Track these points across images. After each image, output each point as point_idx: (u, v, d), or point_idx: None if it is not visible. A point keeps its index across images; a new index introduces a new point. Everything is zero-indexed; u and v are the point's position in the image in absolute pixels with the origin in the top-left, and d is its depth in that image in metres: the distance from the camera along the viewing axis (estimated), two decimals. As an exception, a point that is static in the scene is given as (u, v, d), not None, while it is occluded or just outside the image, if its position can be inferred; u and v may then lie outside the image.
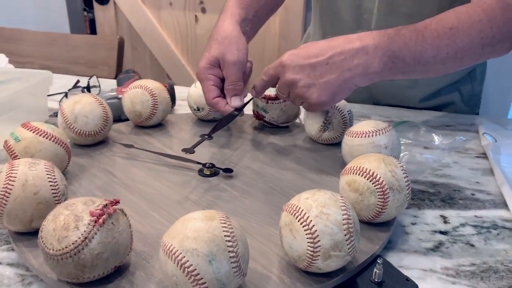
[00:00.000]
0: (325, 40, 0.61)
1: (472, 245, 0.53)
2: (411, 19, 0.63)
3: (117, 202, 0.44)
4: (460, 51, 0.60)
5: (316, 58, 0.58)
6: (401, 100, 0.95)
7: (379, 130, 0.60)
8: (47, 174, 0.49)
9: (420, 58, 0.59)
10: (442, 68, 0.62)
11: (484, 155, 0.75)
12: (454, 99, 0.95)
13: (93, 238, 0.40)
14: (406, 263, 0.50)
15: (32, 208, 0.47)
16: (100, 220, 0.41)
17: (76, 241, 0.40)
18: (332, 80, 0.59)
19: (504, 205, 0.61)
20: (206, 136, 0.66)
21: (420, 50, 0.58)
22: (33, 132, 0.58)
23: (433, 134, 0.77)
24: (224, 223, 0.40)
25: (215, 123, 0.68)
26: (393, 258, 0.50)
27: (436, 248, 0.52)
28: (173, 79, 2.01)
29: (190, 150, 0.63)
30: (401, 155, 0.68)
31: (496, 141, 0.78)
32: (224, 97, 0.69)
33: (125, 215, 0.45)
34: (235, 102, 0.68)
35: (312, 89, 0.60)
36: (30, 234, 0.49)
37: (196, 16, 1.89)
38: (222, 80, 0.69)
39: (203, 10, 1.87)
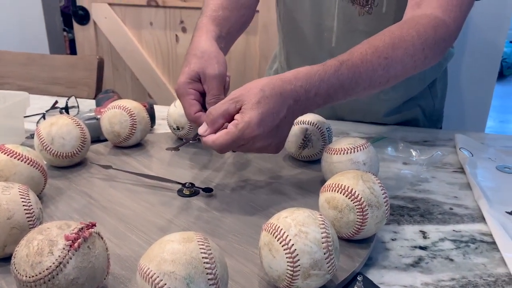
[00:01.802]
0: (272, 85, 0.57)
1: (452, 260, 0.53)
2: (369, 37, 0.65)
3: (93, 225, 0.43)
4: (392, 78, 0.64)
5: (278, 117, 0.56)
6: (365, 116, 0.98)
7: (357, 147, 0.61)
8: (21, 198, 0.48)
9: (351, 93, 0.61)
10: (372, 93, 0.64)
11: (461, 170, 0.76)
12: (417, 115, 0.98)
13: (68, 263, 0.39)
14: (387, 279, 0.50)
15: (6, 233, 0.46)
16: (76, 244, 0.40)
17: (50, 266, 0.39)
18: (289, 129, 0.61)
19: (482, 219, 0.61)
20: (191, 140, 0.66)
21: (354, 87, 0.60)
22: (8, 155, 0.56)
23: (411, 150, 0.78)
24: (202, 244, 0.39)
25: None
26: (374, 275, 0.50)
27: (416, 264, 0.52)
28: (155, 98, 2.01)
29: (175, 149, 0.63)
30: (379, 171, 0.69)
31: (472, 156, 0.79)
32: (206, 111, 0.69)
33: (102, 238, 0.44)
34: None
35: (276, 145, 0.60)
36: (3, 260, 0.47)
37: (176, 35, 1.90)
38: (202, 95, 0.69)
39: (184, 30, 1.88)
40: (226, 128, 0.56)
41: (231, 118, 0.57)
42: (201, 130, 0.59)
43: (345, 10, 0.84)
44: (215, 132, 0.57)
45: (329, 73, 0.58)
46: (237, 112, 0.56)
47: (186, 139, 0.66)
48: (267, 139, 0.57)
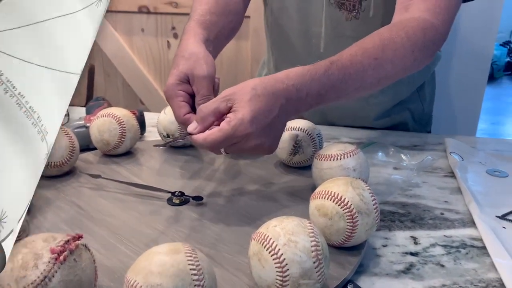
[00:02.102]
0: (264, 84, 0.56)
1: (442, 266, 0.53)
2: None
3: (79, 237, 0.42)
4: (382, 79, 0.64)
5: (270, 115, 0.56)
6: (355, 120, 0.98)
7: (347, 153, 0.61)
8: (7, 210, 0.47)
9: (342, 93, 0.61)
10: (363, 94, 0.64)
11: (452, 174, 0.76)
12: (406, 118, 0.99)
13: (53, 276, 0.39)
14: (378, 286, 0.49)
15: (-9, 246, 0.45)
16: (61, 257, 0.39)
17: (35, 280, 0.38)
18: (282, 129, 0.60)
19: (472, 224, 0.61)
20: (179, 138, 0.65)
21: (345, 88, 0.60)
22: (-6, 166, 0.56)
23: (402, 155, 0.78)
24: (190, 256, 0.39)
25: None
26: (365, 282, 0.50)
27: (407, 270, 0.52)
28: (146, 104, 2.00)
29: (163, 146, 0.62)
30: (370, 176, 0.69)
31: (463, 160, 0.79)
32: (195, 113, 0.68)
33: (89, 250, 0.43)
34: None
35: (269, 145, 0.59)
36: (-11, 273, 0.47)
37: (168, 41, 1.90)
38: (192, 96, 0.68)
39: (175, 36, 1.88)
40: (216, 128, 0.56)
41: (221, 117, 0.56)
42: (191, 128, 0.58)
43: (332, 16, 0.84)
44: (204, 130, 0.57)
45: (319, 73, 0.59)
46: (228, 111, 0.56)
47: (174, 138, 0.65)
48: (260, 138, 0.56)
